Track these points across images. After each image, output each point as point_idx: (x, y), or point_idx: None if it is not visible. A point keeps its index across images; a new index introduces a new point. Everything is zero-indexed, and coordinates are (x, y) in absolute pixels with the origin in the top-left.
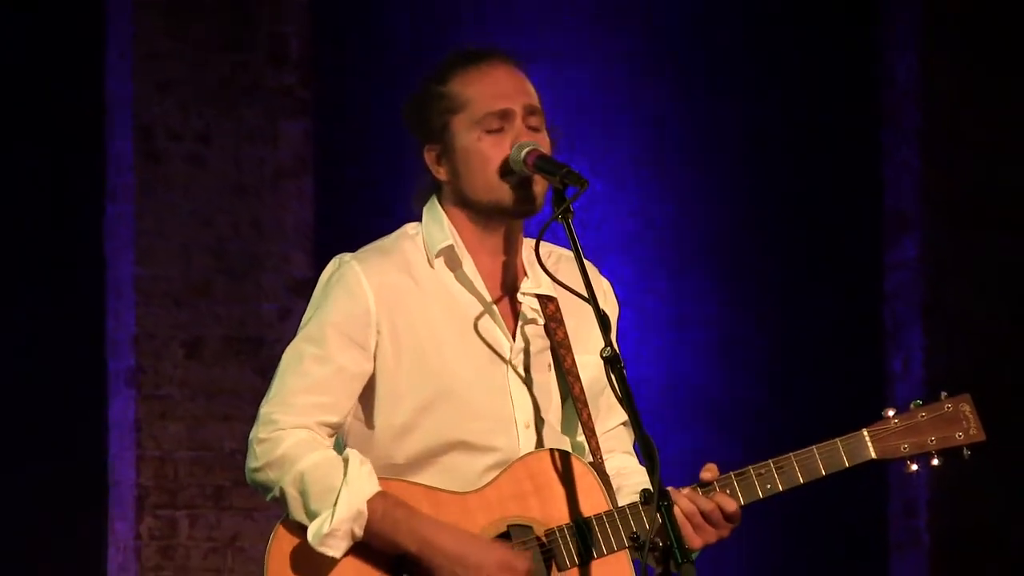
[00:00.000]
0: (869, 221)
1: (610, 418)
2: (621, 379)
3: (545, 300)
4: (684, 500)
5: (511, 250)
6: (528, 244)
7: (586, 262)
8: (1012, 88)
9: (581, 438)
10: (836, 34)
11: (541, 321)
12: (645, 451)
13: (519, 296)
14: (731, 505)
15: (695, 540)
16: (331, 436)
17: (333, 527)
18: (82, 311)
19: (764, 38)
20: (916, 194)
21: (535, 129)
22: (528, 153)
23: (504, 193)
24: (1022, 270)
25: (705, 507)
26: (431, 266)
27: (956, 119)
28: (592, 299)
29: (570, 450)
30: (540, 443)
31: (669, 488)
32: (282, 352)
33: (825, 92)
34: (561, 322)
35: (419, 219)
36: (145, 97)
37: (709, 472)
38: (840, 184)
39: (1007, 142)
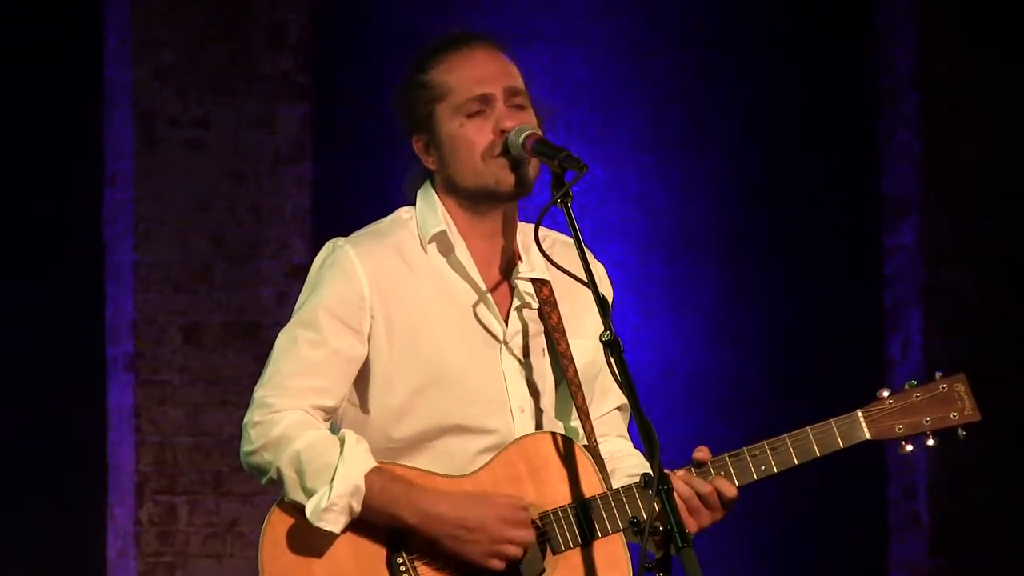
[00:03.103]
0: (868, 205)
1: (604, 402)
2: (621, 363)
3: (539, 284)
4: (681, 484)
5: (506, 234)
6: (524, 228)
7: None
8: (1010, 71)
9: (575, 422)
10: (834, 18)
11: (535, 305)
12: (645, 436)
13: (513, 280)
14: (731, 491)
15: (691, 524)
16: (326, 420)
17: (331, 501)
18: (81, 297)
19: (763, 23)
20: (915, 178)
21: (520, 107)
22: (527, 137)
23: (490, 177)
24: (1020, 253)
25: (702, 490)
26: (424, 251)
27: (954, 103)
28: (592, 284)
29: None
30: (534, 427)
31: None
32: None
33: (823, 76)
34: (555, 306)
35: (413, 204)
36: (144, 83)
37: (702, 453)
38: (839, 168)
39: (1005, 125)
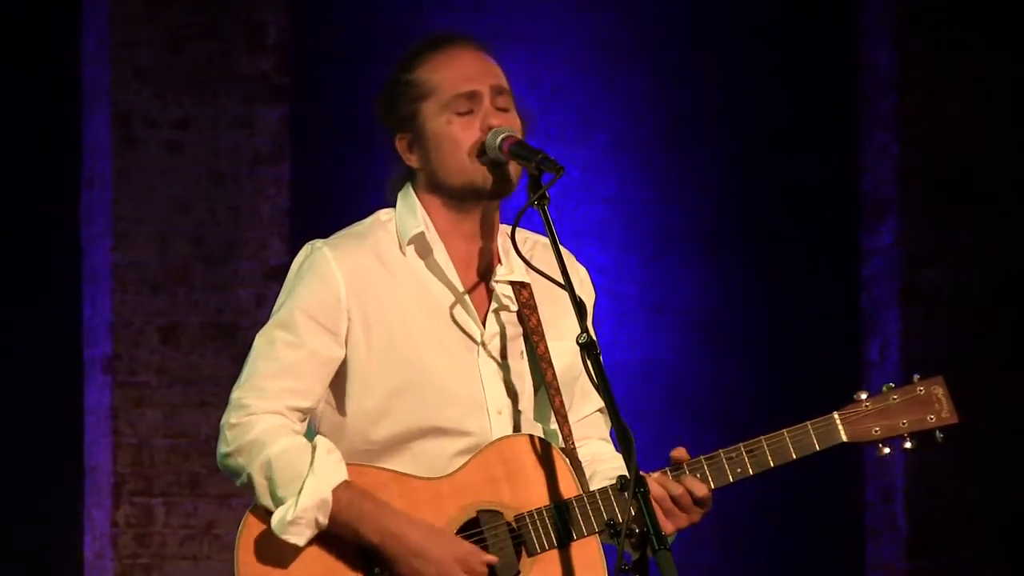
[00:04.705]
0: (847, 206)
1: (585, 405)
2: (597, 366)
3: (519, 287)
4: (654, 485)
5: (486, 236)
6: (504, 230)
7: (562, 249)
8: (989, 72)
9: (554, 425)
10: (814, 19)
11: (514, 308)
12: (621, 438)
13: (492, 283)
14: (701, 489)
15: (667, 525)
16: (302, 421)
17: (296, 515)
18: (59, 298)
19: (742, 23)
20: (893, 179)
21: (504, 110)
22: (504, 139)
23: (477, 175)
24: (999, 255)
25: (675, 491)
26: (403, 253)
27: (934, 104)
28: (568, 285)
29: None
30: (512, 429)
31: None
32: None
33: (803, 77)
34: (535, 309)
35: (393, 205)
36: (123, 84)
37: (680, 452)
38: (818, 169)
39: (984, 127)
